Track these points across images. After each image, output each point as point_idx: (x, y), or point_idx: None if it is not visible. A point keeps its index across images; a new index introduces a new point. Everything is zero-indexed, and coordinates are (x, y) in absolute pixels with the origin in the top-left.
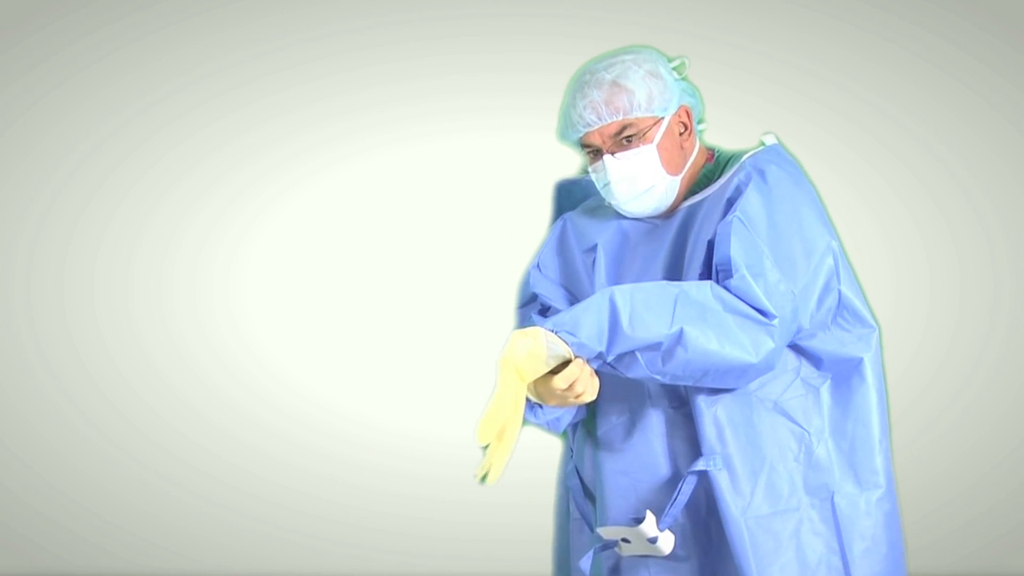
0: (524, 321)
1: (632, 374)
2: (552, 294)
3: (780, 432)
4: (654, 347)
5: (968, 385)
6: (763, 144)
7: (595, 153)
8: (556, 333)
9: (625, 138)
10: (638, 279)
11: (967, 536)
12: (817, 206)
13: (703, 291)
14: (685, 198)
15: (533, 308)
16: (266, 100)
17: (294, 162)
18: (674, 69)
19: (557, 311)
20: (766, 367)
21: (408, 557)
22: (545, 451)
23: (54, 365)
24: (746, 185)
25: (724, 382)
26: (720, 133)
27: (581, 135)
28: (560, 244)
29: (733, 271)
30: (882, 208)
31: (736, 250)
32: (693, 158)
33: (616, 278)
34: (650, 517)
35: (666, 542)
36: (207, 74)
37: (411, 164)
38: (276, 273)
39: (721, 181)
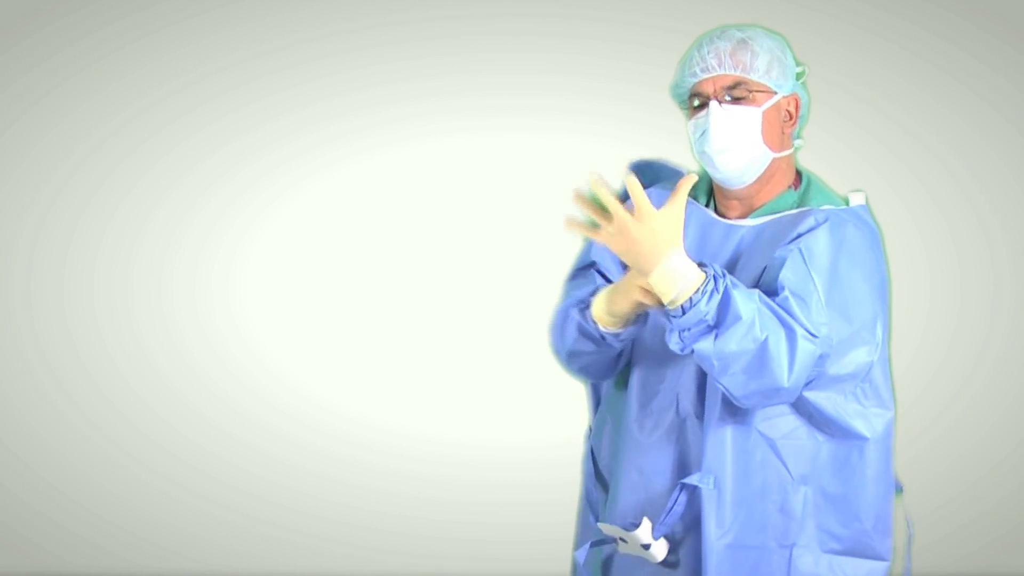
0: (578, 279)
1: (693, 341)
2: (611, 269)
3: (769, 471)
4: (736, 320)
5: (968, 385)
6: (847, 201)
7: (700, 106)
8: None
9: (737, 94)
10: None
11: (967, 536)
12: (881, 280)
13: (753, 296)
14: (759, 212)
15: (589, 272)
16: (266, 100)
17: (294, 162)
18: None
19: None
20: (795, 385)
21: (408, 557)
22: (545, 452)
23: (54, 365)
24: (819, 226)
25: (747, 385)
26: None
27: (698, 80)
28: None
29: (779, 290)
30: (883, 208)
31: (787, 275)
32: (786, 154)
33: None
34: (646, 524)
35: (659, 550)
36: (207, 74)
37: (411, 164)
38: (276, 273)
39: (794, 212)
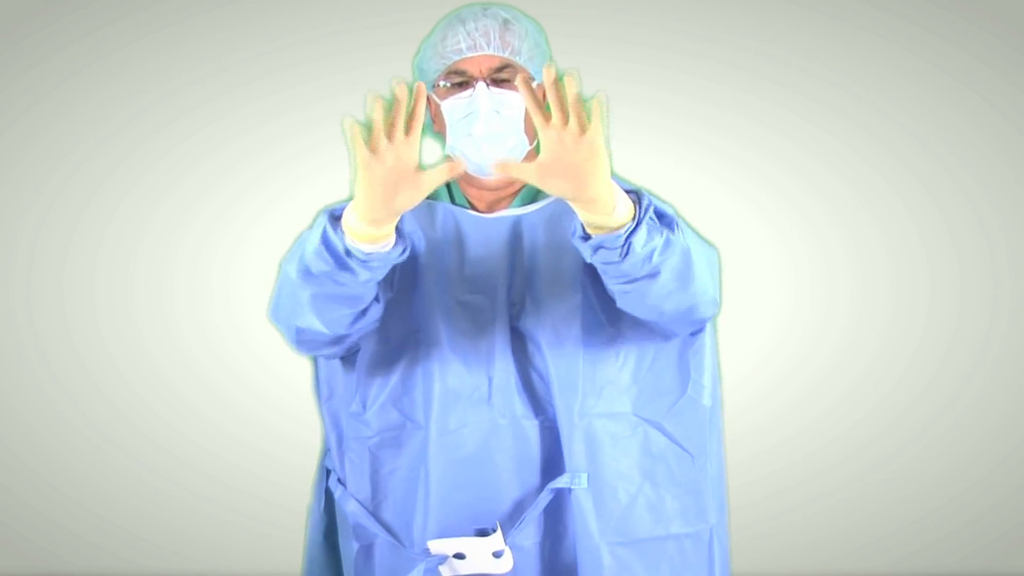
0: None
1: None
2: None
3: (663, 452)
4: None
5: (968, 385)
6: None
7: (459, 84)
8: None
9: (503, 76)
10: (474, 279)
11: (967, 536)
12: None
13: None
14: (523, 199)
15: None
16: (266, 100)
17: (294, 162)
18: None
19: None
20: (712, 302)
21: None
22: None
23: (54, 365)
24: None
25: (683, 294)
26: (722, 132)
27: (462, 58)
28: None
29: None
30: (882, 208)
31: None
32: (535, 145)
33: (439, 277)
34: (499, 530)
35: (508, 558)
36: (207, 74)
37: None
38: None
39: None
